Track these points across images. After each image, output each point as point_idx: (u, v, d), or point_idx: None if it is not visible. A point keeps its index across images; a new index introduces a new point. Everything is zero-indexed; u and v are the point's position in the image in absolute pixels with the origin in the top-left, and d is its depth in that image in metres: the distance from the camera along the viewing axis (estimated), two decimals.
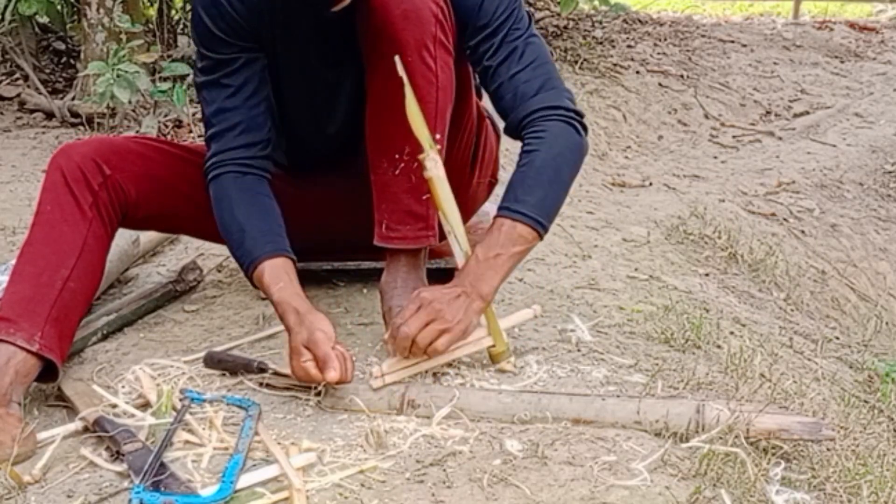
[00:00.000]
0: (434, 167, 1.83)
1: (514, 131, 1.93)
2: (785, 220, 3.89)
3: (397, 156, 1.92)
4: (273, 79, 2.04)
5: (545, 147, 1.87)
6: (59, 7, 4.78)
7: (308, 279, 2.32)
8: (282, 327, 2.10)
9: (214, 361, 1.92)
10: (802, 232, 3.86)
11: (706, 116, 5.02)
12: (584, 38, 5.43)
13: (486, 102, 2.08)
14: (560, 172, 1.89)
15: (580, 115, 1.93)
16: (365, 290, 2.31)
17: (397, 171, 1.93)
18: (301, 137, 2.16)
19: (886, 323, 3.44)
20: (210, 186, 2.00)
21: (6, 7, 4.42)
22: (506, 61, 1.91)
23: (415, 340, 1.76)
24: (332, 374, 1.70)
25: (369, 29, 1.86)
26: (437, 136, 1.90)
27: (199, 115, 4.28)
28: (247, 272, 1.92)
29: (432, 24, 1.85)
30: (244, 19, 1.95)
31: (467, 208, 2.12)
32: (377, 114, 1.93)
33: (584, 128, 1.94)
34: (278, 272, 1.87)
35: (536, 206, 1.83)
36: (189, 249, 2.75)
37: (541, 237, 1.85)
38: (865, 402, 2.32)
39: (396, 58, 1.80)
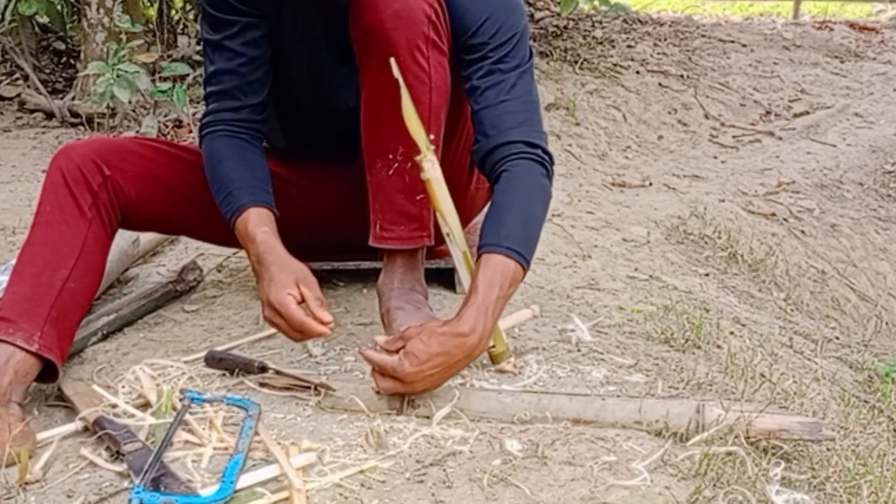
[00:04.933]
0: (431, 168, 1.82)
1: (484, 155, 1.91)
2: (785, 220, 3.89)
3: (391, 156, 1.92)
4: (277, 62, 2.06)
5: (522, 185, 1.86)
6: (59, 7, 4.78)
7: None
8: None
9: (215, 361, 1.93)
10: (802, 232, 3.86)
11: (706, 116, 5.02)
12: (584, 38, 5.43)
13: None
14: (536, 215, 1.87)
15: (552, 160, 1.92)
16: (365, 290, 2.31)
17: (391, 172, 1.93)
18: (304, 122, 2.16)
19: (886, 323, 3.44)
20: (203, 143, 2.06)
21: (6, 7, 4.43)
22: (496, 87, 1.89)
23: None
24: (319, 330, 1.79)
25: (361, 29, 1.86)
26: (432, 137, 1.89)
27: (199, 116, 4.28)
28: (231, 220, 1.95)
29: (425, 25, 1.84)
30: None
31: (465, 213, 2.10)
32: (371, 114, 1.93)
33: (552, 172, 1.92)
34: (263, 219, 1.92)
35: (523, 244, 1.81)
36: (189, 249, 2.75)
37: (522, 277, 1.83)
38: (865, 402, 2.33)
39: (392, 60, 1.80)
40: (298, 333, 1.81)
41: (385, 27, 1.83)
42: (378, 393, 1.75)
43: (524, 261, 1.80)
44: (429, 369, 1.69)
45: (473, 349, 1.72)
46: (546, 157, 1.90)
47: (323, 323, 1.79)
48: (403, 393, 1.72)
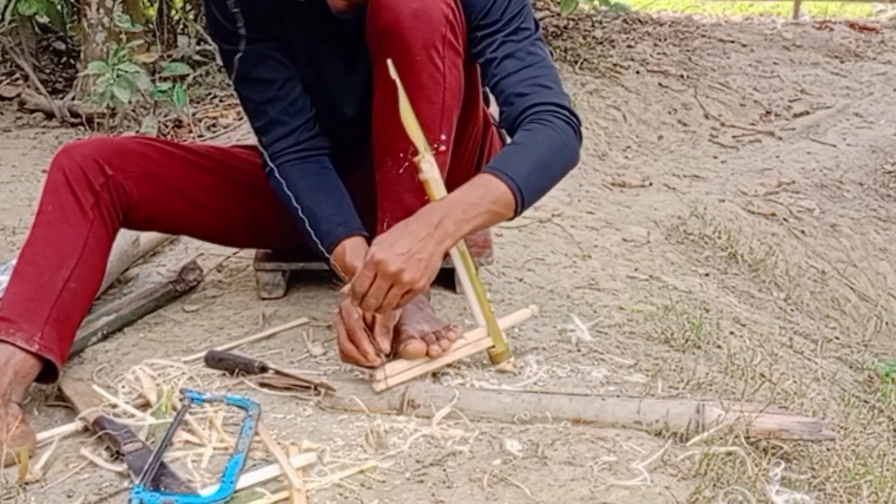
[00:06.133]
0: (429, 169, 1.82)
1: (513, 121, 1.90)
2: (785, 220, 3.89)
3: (402, 155, 1.92)
4: None
5: (548, 135, 1.84)
6: (59, 7, 4.78)
7: (308, 279, 2.33)
8: (281, 327, 2.11)
9: (215, 361, 1.93)
10: (802, 232, 3.86)
11: (706, 116, 5.01)
12: (584, 38, 5.43)
13: (493, 110, 2.08)
14: (553, 166, 1.86)
15: (579, 121, 1.92)
16: None
17: (401, 171, 1.93)
18: None
19: (886, 323, 3.44)
20: (270, 178, 2.06)
21: (6, 7, 4.43)
22: (511, 56, 1.90)
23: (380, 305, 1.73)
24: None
25: (378, 28, 1.87)
26: (443, 137, 1.90)
27: (199, 115, 4.29)
28: (324, 253, 1.98)
29: (442, 25, 1.84)
30: (250, 13, 1.98)
31: None
32: (383, 112, 1.93)
33: (580, 134, 1.92)
34: (359, 250, 1.94)
35: (525, 180, 1.78)
36: (189, 249, 2.75)
37: (515, 214, 1.80)
38: (865, 402, 2.33)
39: (388, 61, 1.80)
40: (348, 345, 1.77)
41: (403, 27, 1.83)
42: (378, 393, 1.75)
43: (517, 190, 1.76)
44: (394, 247, 1.68)
45: (434, 226, 1.70)
46: (573, 118, 1.89)
47: (377, 349, 1.76)
48: (393, 283, 1.68)
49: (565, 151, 1.88)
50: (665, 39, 5.79)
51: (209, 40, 4.67)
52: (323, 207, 1.99)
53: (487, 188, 1.76)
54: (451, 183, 1.87)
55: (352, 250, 1.95)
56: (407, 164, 1.92)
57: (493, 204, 1.76)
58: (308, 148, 2.05)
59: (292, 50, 2.03)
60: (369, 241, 1.92)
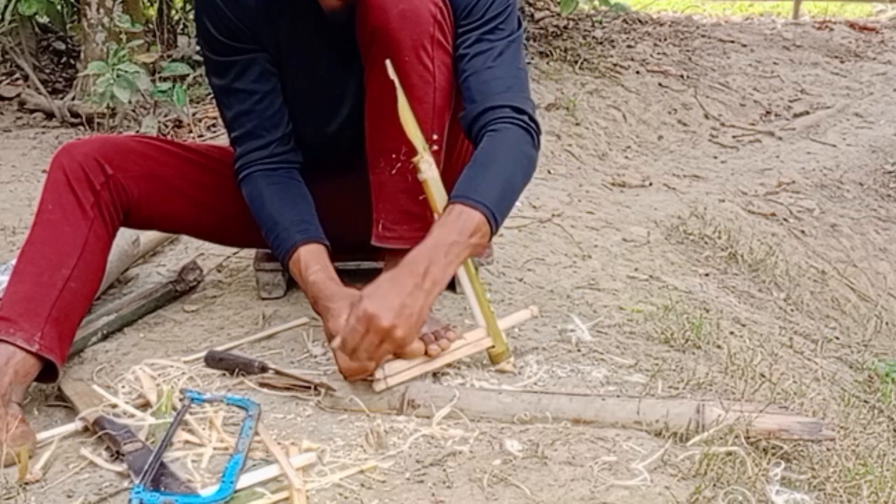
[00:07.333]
0: (428, 169, 1.83)
1: (471, 121, 1.89)
2: (785, 220, 3.89)
3: (395, 155, 1.92)
4: (282, 82, 2.06)
5: (509, 148, 1.84)
6: (59, 7, 4.78)
7: None
8: (281, 327, 2.11)
9: (215, 361, 1.93)
10: (802, 232, 3.86)
11: (706, 116, 5.01)
12: (584, 38, 5.43)
13: None
14: (517, 182, 1.85)
15: (539, 129, 1.91)
16: None
17: (394, 171, 1.94)
18: (301, 134, 2.16)
19: (886, 323, 3.44)
20: (241, 186, 2.06)
21: (6, 7, 4.43)
22: (483, 54, 1.90)
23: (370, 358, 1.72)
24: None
25: (367, 29, 1.87)
26: (435, 137, 1.90)
27: (199, 115, 4.29)
28: (283, 261, 1.97)
29: (430, 25, 1.85)
30: (242, 23, 1.98)
31: None
32: (376, 113, 1.94)
33: (539, 142, 1.91)
34: (313, 257, 1.92)
35: (497, 204, 1.78)
36: (189, 249, 2.75)
37: (490, 237, 1.80)
38: (865, 402, 2.33)
39: (387, 62, 1.80)
40: (352, 365, 1.73)
41: (391, 27, 1.83)
42: (378, 393, 1.75)
43: (492, 216, 1.76)
44: (385, 301, 1.67)
45: (422, 277, 1.69)
46: (533, 125, 1.88)
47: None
48: (384, 339, 1.67)
49: (526, 164, 1.88)
50: (665, 39, 5.79)
51: None
52: (286, 215, 1.98)
53: (465, 222, 1.74)
54: (447, 181, 1.87)
55: (307, 256, 1.92)
56: (399, 164, 1.92)
57: (473, 237, 1.75)
58: (280, 161, 2.05)
59: (284, 56, 2.03)
60: (329, 251, 1.95)
